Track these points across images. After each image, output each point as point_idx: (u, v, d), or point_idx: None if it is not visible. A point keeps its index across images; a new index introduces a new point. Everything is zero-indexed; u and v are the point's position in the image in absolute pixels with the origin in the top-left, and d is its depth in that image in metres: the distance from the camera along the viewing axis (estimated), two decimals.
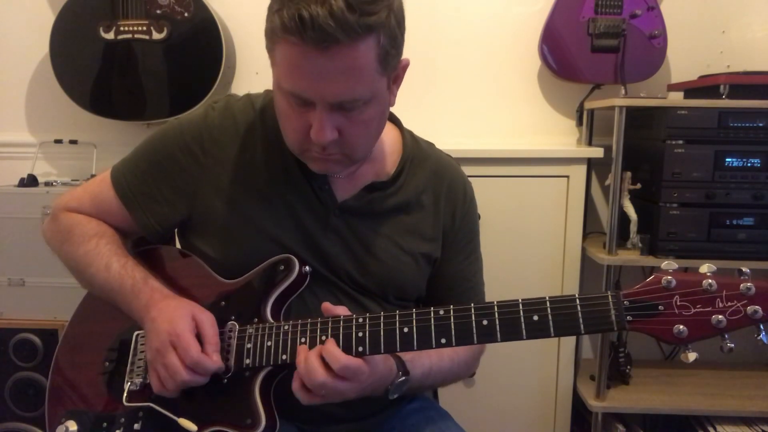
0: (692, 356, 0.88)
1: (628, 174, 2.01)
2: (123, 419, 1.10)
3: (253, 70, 2.42)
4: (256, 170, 1.16)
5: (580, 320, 0.92)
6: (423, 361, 1.14)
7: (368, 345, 0.99)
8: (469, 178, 1.31)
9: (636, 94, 2.12)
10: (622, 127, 1.96)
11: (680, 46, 2.32)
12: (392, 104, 1.09)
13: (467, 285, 1.29)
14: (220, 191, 1.15)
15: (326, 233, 1.16)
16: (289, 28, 0.90)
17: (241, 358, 1.06)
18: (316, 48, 0.90)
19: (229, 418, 1.04)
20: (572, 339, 2.18)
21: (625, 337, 2.24)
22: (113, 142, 2.37)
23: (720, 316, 0.86)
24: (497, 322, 0.95)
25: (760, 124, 1.93)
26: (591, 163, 2.15)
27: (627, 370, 2.20)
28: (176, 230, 1.26)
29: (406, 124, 1.28)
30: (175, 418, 1.06)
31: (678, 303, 0.88)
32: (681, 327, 0.87)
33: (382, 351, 0.99)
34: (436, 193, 1.23)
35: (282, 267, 1.12)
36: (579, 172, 2.09)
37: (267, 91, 1.23)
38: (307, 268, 1.14)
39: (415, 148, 1.25)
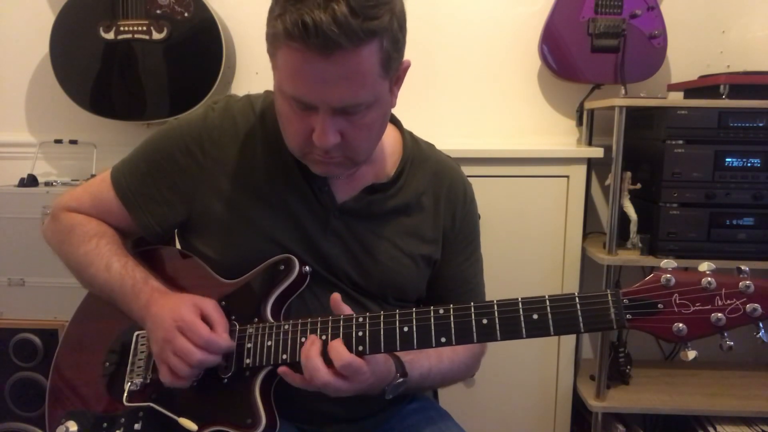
0: (692, 354, 0.88)
1: (628, 174, 2.01)
2: (123, 419, 1.10)
3: (253, 70, 2.42)
4: (255, 171, 1.16)
5: (580, 319, 0.92)
6: (422, 362, 1.14)
7: (368, 344, 0.99)
8: (469, 178, 1.31)
9: (636, 94, 2.12)
10: (622, 127, 1.96)
11: (680, 46, 2.32)
12: (393, 105, 1.09)
13: (467, 286, 1.29)
14: (220, 192, 1.15)
15: (326, 235, 1.16)
16: (291, 34, 0.89)
17: (241, 358, 1.06)
18: (319, 54, 0.90)
19: (230, 417, 1.04)
20: (572, 339, 2.18)
21: (625, 336, 2.24)
22: (113, 142, 2.37)
23: (719, 314, 0.86)
24: (497, 320, 0.95)
25: (760, 124, 1.93)
26: (591, 163, 2.15)
27: (627, 370, 2.20)
28: (176, 231, 1.26)
29: (406, 125, 1.28)
30: (175, 417, 1.06)
31: (677, 301, 0.88)
32: (680, 325, 0.88)
33: (382, 350, 0.99)
34: (436, 194, 1.23)
35: (282, 267, 1.12)
36: (579, 172, 2.09)
37: (267, 92, 1.22)
38: (307, 268, 1.13)
39: (416, 150, 1.25)
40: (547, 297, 0.94)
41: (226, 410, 1.05)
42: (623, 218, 2.02)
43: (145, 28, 2.15)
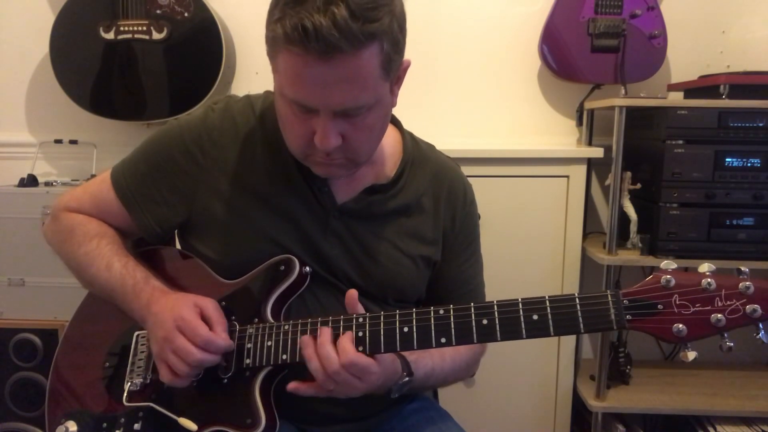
0: (692, 355, 0.88)
1: (628, 174, 2.01)
2: (123, 419, 1.11)
3: (253, 70, 2.42)
4: (255, 172, 1.16)
5: (580, 319, 0.92)
6: (426, 361, 1.14)
7: (368, 344, 0.99)
8: (469, 178, 1.31)
9: (636, 94, 2.12)
10: (622, 127, 1.96)
11: (680, 46, 2.32)
12: (394, 105, 1.09)
13: (467, 287, 1.29)
14: (220, 193, 1.15)
15: (326, 235, 1.16)
16: (291, 38, 0.89)
17: (241, 358, 1.06)
18: (320, 57, 0.90)
19: (229, 417, 1.04)
20: (572, 339, 2.18)
21: (625, 337, 2.24)
22: (113, 142, 2.37)
23: (719, 315, 0.86)
24: (497, 321, 0.95)
25: (760, 124, 1.93)
26: (591, 163, 2.15)
27: (627, 370, 2.20)
28: (176, 231, 1.26)
29: (406, 125, 1.27)
30: (175, 417, 1.06)
31: (677, 302, 0.89)
32: (680, 326, 0.88)
33: (382, 350, 0.99)
34: (436, 195, 1.23)
35: (282, 267, 1.12)
36: (579, 172, 2.09)
37: (267, 92, 1.22)
38: (308, 268, 1.14)
39: (416, 150, 1.25)
40: (547, 297, 0.94)
41: (225, 410, 1.05)
42: (623, 218, 2.02)
43: (145, 28, 2.15)
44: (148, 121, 2.27)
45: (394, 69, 1.00)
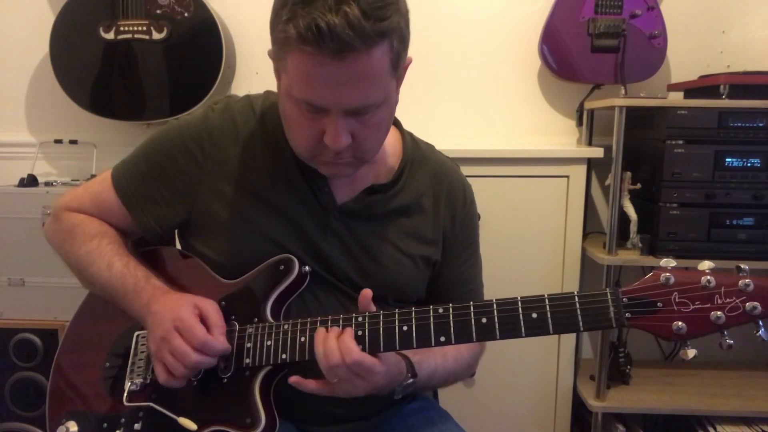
0: (691, 353, 0.89)
1: (628, 174, 2.01)
2: (123, 419, 1.11)
3: (253, 70, 2.42)
4: (255, 172, 1.16)
5: (579, 317, 0.92)
6: (429, 362, 1.14)
7: (367, 343, 0.99)
8: (469, 178, 1.31)
9: (636, 94, 2.12)
10: (622, 127, 1.96)
11: (680, 46, 2.32)
12: (397, 101, 1.10)
13: (467, 287, 1.29)
14: (220, 193, 1.16)
15: (326, 236, 1.16)
16: (305, 38, 0.89)
17: (241, 358, 1.06)
18: (333, 57, 0.90)
19: (229, 417, 1.04)
20: (572, 339, 2.18)
21: (625, 336, 2.24)
22: (113, 142, 2.37)
23: (719, 313, 0.86)
24: (496, 319, 0.95)
25: (760, 124, 1.93)
26: (591, 163, 2.15)
27: (627, 370, 2.20)
28: (176, 231, 1.26)
29: (406, 125, 1.27)
30: (175, 417, 1.06)
31: (677, 300, 0.88)
32: (680, 323, 0.88)
33: (382, 349, 0.99)
34: (436, 196, 1.23)
35: (282, 267, 1.12)
36: (579, 172, 2.09)
37: (267, 92, 1.23)
38: (307, 268, 1.13)
39: (416, 151, 1.25)
40: (546, 296, 0.94)
41: (225, 410, 1.05)
42: (623, 218, 2.02)
43: (145, 28, 2.15)
44: (148, 121, 2.28)
45: (401, 66, 1.01)
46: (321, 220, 1.16)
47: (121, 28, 2.15)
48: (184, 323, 1.02)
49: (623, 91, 2.15)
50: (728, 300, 0.86)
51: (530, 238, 2.11)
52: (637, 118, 2.11)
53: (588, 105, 2.28)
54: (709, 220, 1.97)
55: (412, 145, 1.25)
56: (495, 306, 0.96)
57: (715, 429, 2.09)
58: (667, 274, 0.89)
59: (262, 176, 1.15)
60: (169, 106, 2.19)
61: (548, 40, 2.23)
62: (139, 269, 1.14)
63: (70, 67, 2.20)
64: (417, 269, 1.21)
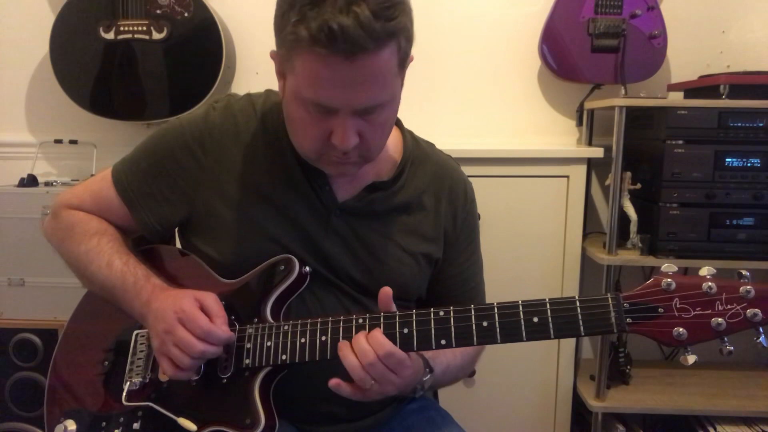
0: (691, 359, 0.89)
1: (628, 174, 2.01)
2: (122, 419, 1.11)
3: (253, 70, 2.42)
4: (256, 170, 1.16)
5: (580, 322, 0.92)
6: (441, 358, 1.15)
7: None
8: (469, 178, 1.31)
9: (636, 94, 2.12)
10: (622, 127, 1.96)
11: (680, 46, 2.32)
12: (400, 100, 1.10)
13: (468, 286, 1.29)
14: (221, 191, 1.16)
15: (327, 234, 1.16)
16: (317, 39, 0.89)
17: (240, 358, 1.06)
18: (344, 58, 0.90)
19: (229, 417, 1.04)
20: (572, 339, 2.18)
21: (625, 337, 2.24)
22: (113, 142, 2.37)
23: (719, 319, 0.86)
24: (497, 323, 0.95)
25: (760, 124, 1.93)
26: (591, 163, 2.15)
27: (627, 370, 2.20)
28: (176, 230, 1.26)
29: (407, 124, 1.28)
30: (174, 417, 1.06)
31: (678, 306, 0.89)
32: (680, 330, 0.88)
33: None
34: (437, 194, 1.23)
35: (282, 267, 1.12)
36: (579, 172, 2.09)
37: (267, 91, 1.23)
38: (307, 268, 1.13)
39: (416, 149, 1.25)
40: (547, 300, 0.94)
41: (225, 410, 1.05)
42: (623, 218, 2.02)
43: (145, 28, 2.15)
44: (148, 121, 2.27)
45: (407, 65, 1.03)
46: (322, 218, 1.16)
47: (121, 28, 2.15)
48: (187, 314, 1.02)
49: (623, 91, 2.15)
50: (729, 306, 0.86)
51: (530, 238, 2.11)
52: (637, 118, 2.11)
53: (588, 105, 2.28)
54: (709, 220, 1.97)
55: (413, 144, 1.25)
56: (496, 310, 0.96)
57: (715, 429, 2.09)
58: (669, 279, 0.89)
59: (263, 174, 1.16)
60: (169, 106, 2.19)
61: (548, 40, 2.23)
62: (139, 267, 1.14)
63: (70, 67, 2.20)
64: (418, 267, 1.21)
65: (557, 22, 2.21)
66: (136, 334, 1.17)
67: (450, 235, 1.24)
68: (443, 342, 0.97)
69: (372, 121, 1.01)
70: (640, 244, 2.02)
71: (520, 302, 0.95)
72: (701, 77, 2.14)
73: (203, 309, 1.05)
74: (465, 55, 2.40)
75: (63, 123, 2.44)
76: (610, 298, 0.91)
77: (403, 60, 1.00)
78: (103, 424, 1.12)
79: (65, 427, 1.13)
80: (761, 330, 0.86)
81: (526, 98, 2.42)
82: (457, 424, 1.27)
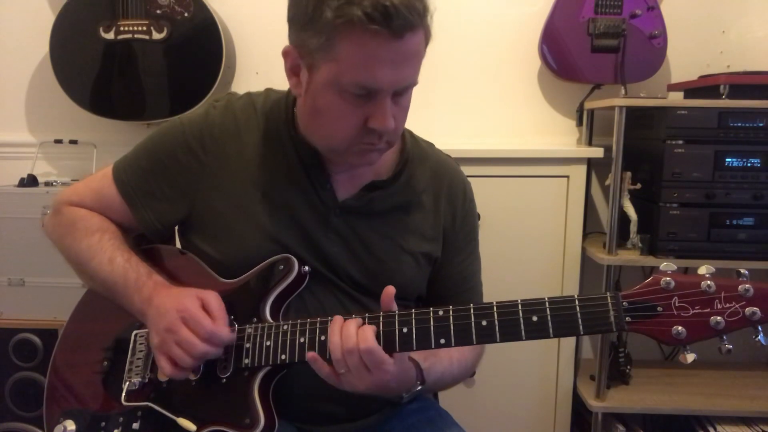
0: (691, 357, 0.89)
1: (628, 174, 2.01)
2: (121, 419, 1.11)
3: (253, 70, 2.43)
4: (257, 168, 1.16)
5: (579, 321, 0.92)
6: (437, 368, 1.15)
7: None
8: (469, 178, 1.31)
9: (636, 94, 2.12)
10: (622, 127, 1.96)
11: (680, 46, 2.32)
12: None
13: (466, 286, 1.29)
14: (221, 189, 1.16)
15: (327, 233, 1.16)
16: (373, 17, 0.91)
17: (240, 358, 1.06)
18: (394, 36, 0.94)
19: (228, 417, 1.04)
20: (572, 339, 2.18)
21: (625, 337, 2.24)
22: (113, 142, 2.37)
23: (718, 318, 0.86)
24: (496, 322, 0.95)
25: (760, 124, 1.93)
26: (591, 163, 2.15)
27: (627, 370, 2.20)
28: (176, 229, 1.26)
29: (407, 124, 1.27)
30: (174, 417, 1.06)
31: (677, 304, 0.89)
32: (680, 328, 0.88)
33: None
34: (436, 193, 1.23)
35: (281, 267, 1.12)
36: (579, 172, 2.09)
37: (267, 90, 1.23)
38: (306, 268, 1.13)
39: (415, 148, 1.25)
40: (546, 299, 0.94)
41: (224, 410, 1.05)
42: (623, 218, 2.02)
43: (145, 28, 2.15)
44: (148, 121, 2.28)
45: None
46: (322, 217, 1.16)
47: (121, 28, 2.15)
48: (190, 313, 1.02)
49: (623, 91, 2.15)
50: (728, 305, 0.86)
51: (530, 238, 2.11)
52: (637, 118, 2.11)
53: (588, 105, 2.28)
54: (709, 220, 1.97)
55: (412, 142, 1.25)
56: (495, 309, 0.96)
57: (715, 429, 2.09)
58: (668, 278, 0.89)
59: (263, 173, 1.16)
60: (169, 106, 2.19)
61: (548, 40, 2.23)
62: (141, 265, 1.14)
63: (70, 67, 2.20)
64: (418, 266, 1.21)
65: (557, 22, 2.21)
66: (136, 334, 1.16)
67: (449, 234, 1.24)
68: (442, 341, 0.97)
69: (400, 103, 1.05)
70: (640, 244, 2.02)
71: (519, 301, 0.95)
72: (701, 77, 2.14)
73: (205, 308, 1.05)
74: (465, 55, 2.40)
75: (63, 123, 2.44)
76: (609, 297, 0.91)
77: (428, 41, 1.03)
78: (103, 424, 1.12)
79: (65, 427, 1.13)
80: (760, 328, 0.86)
81: (526, 98, 2.42)
82: (457, 424, 1.27)
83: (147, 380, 1.11)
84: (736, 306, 0.86)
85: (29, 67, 2.46)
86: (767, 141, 1.94)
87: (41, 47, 2.27)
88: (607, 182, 2.02)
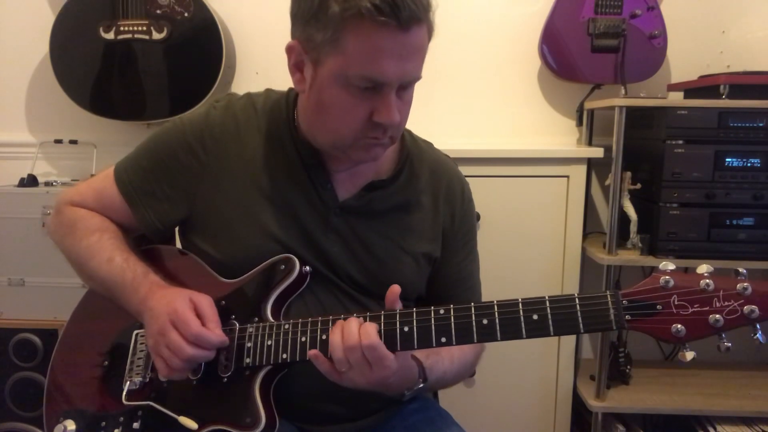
0: (690, 355, 0.89)
1: (628, 174, 2.01)
2: (122, 418, 1.11)
3: (253, 70, 2.43)
4: (257, 169, 1.16)
5: (579, 319, 0.92)
6: (439, 367, 1.15)
7: None
8: (469, 178, 1.31)
9: (636, 94, 2.12)
10: (622, 127, 1.96)
11: (680, 46, 2.32)
12: None
13: (466, 285, 1.30)
14: (222, 189, 1.16)
15: (327, 233, 1.16)
16: (381, 9, 0.92)
17: (241, 357, 1.06)
18: (401, 28, 0.95)
19: (229, 416, 1.04)
20: (572, 339, 2.18)
21: (625, 337, 2.24)
22: (113, 142, 2.37)
23: (717, 316, 0.87)
24: (497, 321, 0.96)
25: (760, 124, 1.93)
26: (591, 163, 2.15)
27: (627, 370, 2.20)
28: (177, 229, 1.26)
29: (407, 124, 1.28)
30: (175, 416, 1.06)
31: (676, 302, 0.89)
32: (679, 326, 0.88)
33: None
34: (435, 193, 1.24)
35: (282, 267, 1.12)
36: (579, 172, 2.09)
37: (267, 90, 1.23)
38: (308, 268, 1.14)
39: (414, 147, 1.25)
40: (546, 298, 0.94)
41: (225, 409, 1.05)
42: (623, 218, 2.02)
43: (145, 28, 2.15)
44: (148, 121, 2.28)
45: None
46: (322, 216, 1.16)
47: (121, 28, 2.15)
48: (179, 316, 1.02)
49: (623, 91, 2.15)
50: (726, 303, 0.87)
51: (530, 238, 2.11)
52: (637, 118, 2.11)
53: (588, 105, 2.28)
54: (709, 220, 1.97)
55: (411, 142, 1.25)
56: (496, 307, 0.96)
57: (715, 429, 2.09)
58: (667, 276, 0.90)
59: (264, 173, 1.16)
60: (169, 107, 2.19)
61: (548, 40, 2.23)
62: (138, 265, 1.14)
63: (70, 67, 2.20)
64: (417, 266, 1.21)
65: (557, 22, 2.21)
66: (136, 334, 1.17)
67: (448, 234, 1.25)
68: (443, 340, 0.97)
69: (404, 98, 1.06)
70: (640, 244, 2.02)
71: (519, 300, 0.95)
72: (701, 77, 2.14)
73: (197, 311, 1.05)
74: (465, 55, 2.41)
75: (63, 123, 2.44)
76: (609, 296, 0.92)
77: (430, 38, 1.04)
78: (103, 423, 1.12)
79: (65, 427, 1.13)
80: (758, 326, 0.87)
81: (526, 98, 2.42)
82: (457, 424, 1.27)
83: (148, 380, 1.11)
84: (735, 304, 0.86)
85: (29, 67, 2.46)
86: (767, 141, 1.94)
87: (41, 47, 2.27)
88: (607, 182, 2.02)
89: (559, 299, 0.94)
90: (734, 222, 1.97)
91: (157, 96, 2.19)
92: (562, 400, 2.19)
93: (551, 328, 0.93)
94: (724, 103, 1.93)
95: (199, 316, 1.04)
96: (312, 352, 1.00)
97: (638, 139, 2.10)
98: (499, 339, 0.96)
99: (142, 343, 1.15)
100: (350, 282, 1.18)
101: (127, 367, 1.14)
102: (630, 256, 2.02)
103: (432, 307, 1.00)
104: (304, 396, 1.14)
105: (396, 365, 0.99)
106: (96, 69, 2.19)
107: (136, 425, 1.10)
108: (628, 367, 2.21)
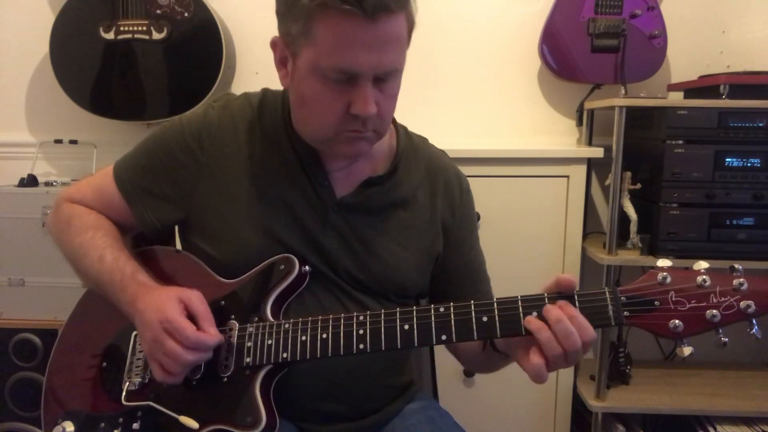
0: (687, 350, 0.89)
1: (628, 174, 2.01)
2: (122, 419, 1.10)
3: (253, 70, 2.43)
4: (255, 168, 1.16)
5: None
6: None
7: (369, 342, 1.00)
8: (469, 178, 1.31)
9: (636, 94, 2.12)
10: (622, 127, 1.96)
11: (680, 46, 2.32)
12: None
13: (477, 275, 1.30)
14: (220, 189, 1.16)
15: (325, 230, 1.16)
16: None
17: (241, 357, 1.06)
18: (367, 18, 0.94)
19: (230, 416, 1.03)
20: None
21: (625, 336, 2.24)
22: (113, 142, 2.37)
23: (714, 311, 0.87)
24: (497, 318, 0.96)
25: (760, 124, 1.93)
26: (591, 163, 2.16)
27: (627, 370, 2.20)
28: (177, 229, 1.26)
29: (407, 124, 1.28)
30: (175, 416, 1.06)
31: (673, 298, 0.90)
32: (676, 321, 0.89)
33: (383, 348, 1.00)
34: (431, 189, 1.24)
35: (282, 266, 1.12)
36: (579, 172, 2.09)
37: (264, 90, 1.24)
38: (307, 267, 1.14)
39: (409, 144, 1.25)
40: (546, 295, 0.95)
41: (226, 409, 1.05)
42: (623, 218, 2.02)
43: (145, 28, 2.15)
44: (148, 121, 2.28)
45: (410, 39, 1.05)
46: (320, 214, 1.16)
47: (121, 28, 2.15)
48: (172, 324, 1.01)
49: (623, 91, 2.15)
50: (723, 299, 0.88)
51: (530, 237, 2.11)
52: (637, 118, 2.11)
53: (588, 105, 2.29)
54: (709, 220, 1.97)
55: (406, 138, 1.26)
56: (495, 305, 0.96)
57: (715, 429, 2.09)
58: (664, 273, 0.91)
59: (262, 171, 1.16)
60: (169, 106, 2.20)
61: (548, 40, 2.23)
62: (128, 264, 1.13)
63: (70, 67, 2.20)
64: (416, 263, 1.21)
65: (557, 22, 2.21)
66: (135, 335, 1.16)
67: (450, 227, 1.25)
68: (444, 337, 0.98)
69: (385, 91, 1.04)
70: (640, 244, 2.02)
71: (519, 297, 0.96)
72: (701, 77, 2.14)
73: (189, 312, 1.04)
74: (465, 55, 2.41)
75: (63, 123, 2.45)
76: (607, 292, 0.92)
77: (410, 32, 1.03)
78: (102, 424, 1.11)
79: (63, 429, 1.13)
80: (754, 321, 0.88)
81: (526, 98, 2.43)
82: (457, 424, 1.27)
83: (147, 380, 1.11)
84: (731, 300, 0.87)
85: (29, 67, 2.47)
86: (767, 141, 1.94)
87: (41, 47, 2.27)
88: (607, 182, 2.02)
89: (558, 296, 0.94)
90: (734, 222, 1.97)
91: (157, 96, 2.19)
92: (562, 399, 2.19)
93: None
94: (724, 103, 1.94)
95: (191, 315, 1.04)
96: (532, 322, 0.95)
97: (638, 139, 2.10)
98: (499, 336, 0.96)
99: (141, 344, 1.15)
100: (349, 279, 1.18)
101: (126, 367, 1.14)
102: (630, 256, 2.02)
103: (432, 305, 1.00)
104: (304, 395, 1.14)
105: None
106: (96, 69, 2.19)
107: (135, 426, 1.09)
108: (628, 367, 2.21)
